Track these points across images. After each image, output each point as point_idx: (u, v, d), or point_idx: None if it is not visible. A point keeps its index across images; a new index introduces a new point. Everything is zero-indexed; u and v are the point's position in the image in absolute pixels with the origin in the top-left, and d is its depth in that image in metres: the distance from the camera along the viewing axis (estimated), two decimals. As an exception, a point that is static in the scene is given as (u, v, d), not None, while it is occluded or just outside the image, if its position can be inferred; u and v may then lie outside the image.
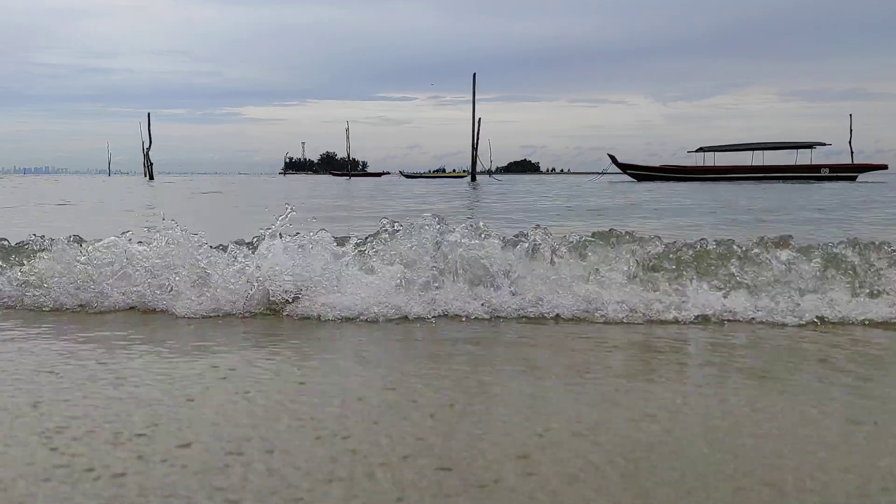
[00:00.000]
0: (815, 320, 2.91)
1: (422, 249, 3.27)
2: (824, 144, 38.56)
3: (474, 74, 37.71)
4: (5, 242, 3.60)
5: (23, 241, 3.54)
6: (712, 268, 3.22)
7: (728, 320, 2.96)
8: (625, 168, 39.89)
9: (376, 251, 3.30)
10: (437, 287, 3.14)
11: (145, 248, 3.26)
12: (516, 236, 3.35)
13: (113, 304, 3.15)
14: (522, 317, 3.03)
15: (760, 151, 38.59)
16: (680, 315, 2.96)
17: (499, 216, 9.92)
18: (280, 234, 3.23)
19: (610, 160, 39.90)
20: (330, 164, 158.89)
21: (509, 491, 1.43)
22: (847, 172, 36.99)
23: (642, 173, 39.26)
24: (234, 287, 3.08)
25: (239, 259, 3.21)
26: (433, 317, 2.99)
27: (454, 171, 79.69)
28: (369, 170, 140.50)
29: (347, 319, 2.96)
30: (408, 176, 75.66)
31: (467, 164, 40.12)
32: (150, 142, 53.30)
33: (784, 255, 3.24)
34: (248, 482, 1.45)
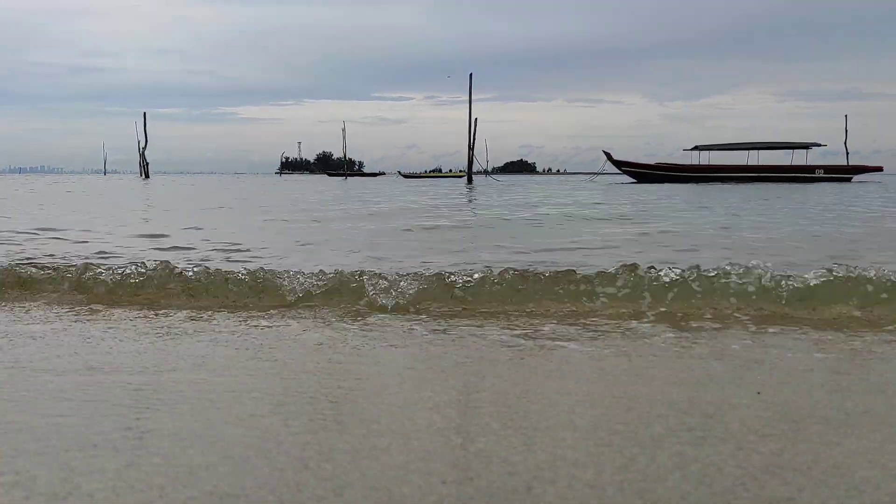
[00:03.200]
0: None
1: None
2: (820, 145, 38.67)
3: (471, 74, 37.71)
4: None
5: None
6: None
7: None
8: (620, 166, 39.90)
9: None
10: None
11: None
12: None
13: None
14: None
15: (756, 151, 38.70)
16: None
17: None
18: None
19: (605, 157, 39.91)
20: (326, 164, 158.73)
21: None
22: (842, 174, 37.13)
23: (638, 171, 39.31)
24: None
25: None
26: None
27: (450, 171, 79.76)
28: (365, 170, 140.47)
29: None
30: (406, 176, 75.85)
31: (464, 164, 40.08)
32: (146, 141, 53.47)
33: None
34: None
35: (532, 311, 3.34)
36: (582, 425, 1.86)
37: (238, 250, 5.95)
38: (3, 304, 3.58)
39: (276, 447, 1.70)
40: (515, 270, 3.58)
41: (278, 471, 1.56)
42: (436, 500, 1.43)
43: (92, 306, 3.49)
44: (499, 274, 3.56)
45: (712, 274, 3.43)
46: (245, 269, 3.82)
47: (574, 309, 3.36)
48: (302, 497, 1.44)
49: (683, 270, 3.46)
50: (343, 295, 3.51)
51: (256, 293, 3.59)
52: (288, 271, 3.72)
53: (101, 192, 23.18)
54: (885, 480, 1.53)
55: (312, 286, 3.55)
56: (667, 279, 3.41)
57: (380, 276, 3.57)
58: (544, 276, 3.53)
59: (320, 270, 3.69)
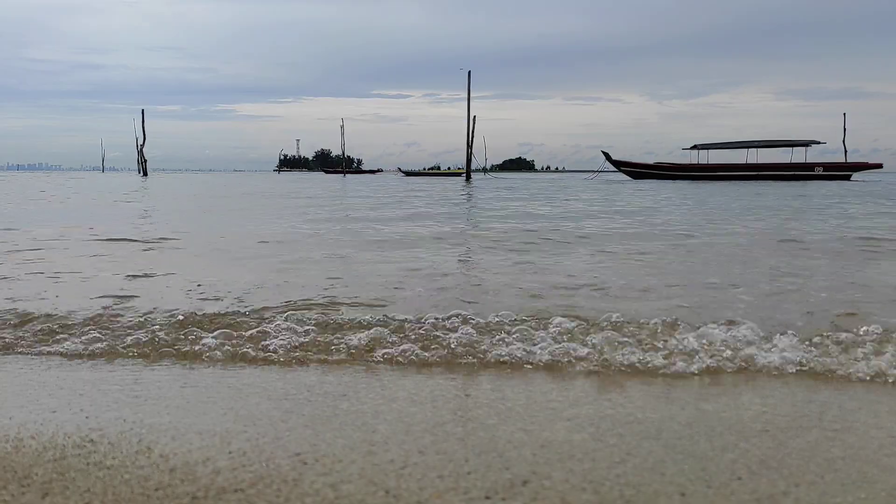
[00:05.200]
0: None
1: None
2: (819, 143, 38.65)
3: (469, 72, 37.61)
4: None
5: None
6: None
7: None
8: (619, 165, 39.97)
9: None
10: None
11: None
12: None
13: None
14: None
15: (755, 149, 38.69)
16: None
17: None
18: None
19: (605, 157, 39.99)
20: (325, 162, 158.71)
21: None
22: (841, 171, 37.14)
23: (637, 171, 39.36)
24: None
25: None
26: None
27: (449, 168, 79.90)
28: (364, 167, 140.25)
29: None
30: (407, 173, 75.98)
31: (464, 162, 40.04)
32: (144, 138, 53.46)
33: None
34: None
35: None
36: (577, 419, 1.86)
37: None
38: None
39: (273, 442, 1.70)
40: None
41: (275, 465, 1.56)
42: (432, 494, 1.43)
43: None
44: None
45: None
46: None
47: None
48: (299, 491, 1.44)
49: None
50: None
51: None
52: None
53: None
54: (881, 476, 1.53)
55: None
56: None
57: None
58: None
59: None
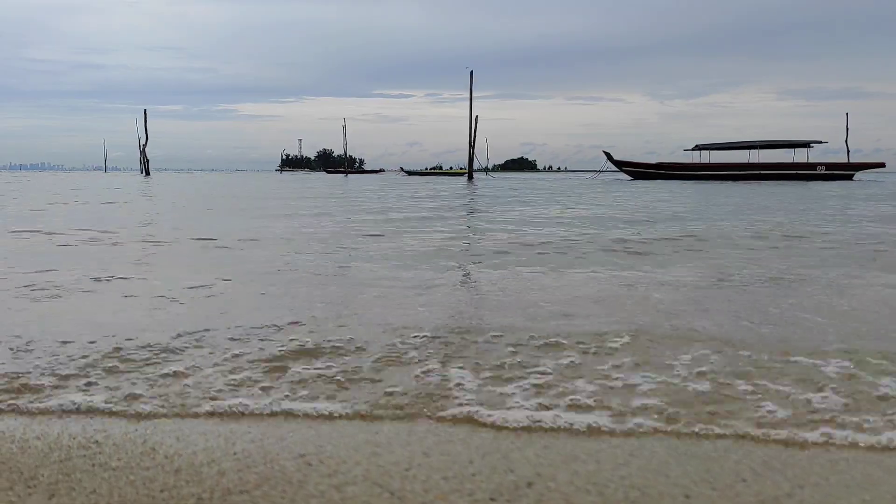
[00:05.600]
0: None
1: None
2: (821, 143, 38.63)
3: (471, 72, 37.59)
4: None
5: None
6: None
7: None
8: (621, 165, 39.99)
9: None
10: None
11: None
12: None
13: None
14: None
15: (757, 150, 38.69)
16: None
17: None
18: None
19: (606, 157, 40.03)
20: (327, 161, 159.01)
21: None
22: (844, 171, 37.12)
23: (639, 171, 39.38)
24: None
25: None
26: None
27: (451, 168, 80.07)
28: (366, 167, 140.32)
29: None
30: (409, 173, 76.13)
31: (466, 162, 40.06)
32: (147, 138, 53.60)
33: None
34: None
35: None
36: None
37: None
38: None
39: (277, 443, 1.70)
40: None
41: (280, 467, 1.57)
42: (436, 496, 1.43)
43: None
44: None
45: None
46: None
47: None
48: (304, 493, 1.44)
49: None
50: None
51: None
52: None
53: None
54: (885, 478, 1.53)
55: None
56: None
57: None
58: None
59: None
